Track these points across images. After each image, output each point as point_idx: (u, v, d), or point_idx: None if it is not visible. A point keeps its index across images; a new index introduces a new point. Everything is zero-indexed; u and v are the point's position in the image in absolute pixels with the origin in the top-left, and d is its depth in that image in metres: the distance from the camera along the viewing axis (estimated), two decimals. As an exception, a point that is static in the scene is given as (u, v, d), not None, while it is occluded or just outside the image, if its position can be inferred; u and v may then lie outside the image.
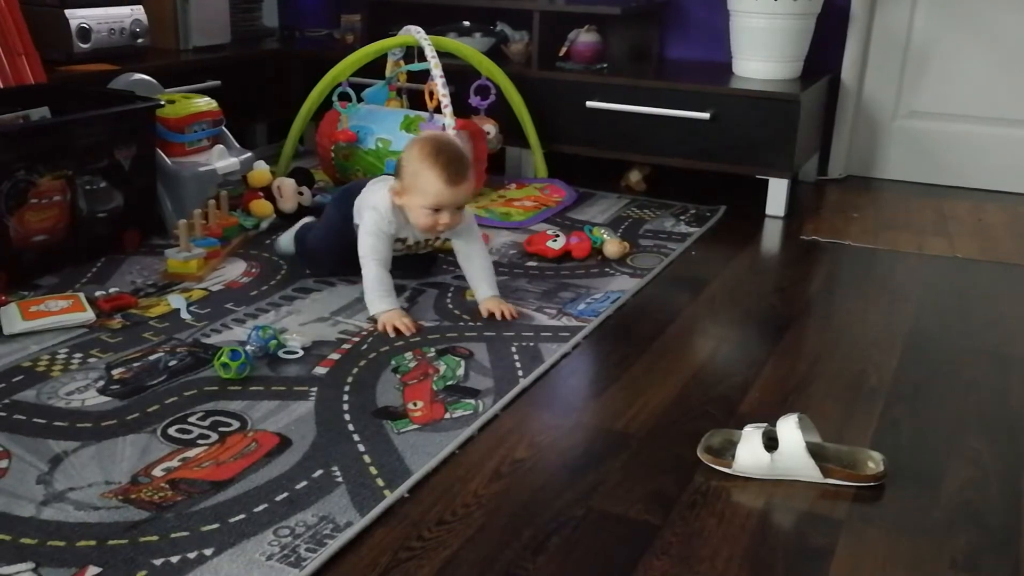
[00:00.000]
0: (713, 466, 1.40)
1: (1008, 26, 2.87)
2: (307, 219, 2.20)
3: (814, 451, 1.37)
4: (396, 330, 1.81)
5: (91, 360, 1.67)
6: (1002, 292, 2.16)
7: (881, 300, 2.10)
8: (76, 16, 2.60)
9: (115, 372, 1.63)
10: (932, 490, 1.37)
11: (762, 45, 2.76)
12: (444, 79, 2.47)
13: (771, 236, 2.55)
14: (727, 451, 1.41)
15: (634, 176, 2.89)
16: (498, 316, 1.90)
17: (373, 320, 1.85)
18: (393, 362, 1.70)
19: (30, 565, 1.13)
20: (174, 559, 1.15)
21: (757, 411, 1.58)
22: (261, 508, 1.26)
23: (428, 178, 1.79)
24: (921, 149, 3.05)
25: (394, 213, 1.87)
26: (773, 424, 1.41)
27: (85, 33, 2.62)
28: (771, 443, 1.38)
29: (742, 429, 1.42)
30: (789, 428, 1.38)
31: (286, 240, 2.18)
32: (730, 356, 1.81)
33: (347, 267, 1.98)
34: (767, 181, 2.68)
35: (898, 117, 3.06)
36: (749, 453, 1.38)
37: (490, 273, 1.96)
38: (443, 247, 2.12)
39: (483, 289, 1.94)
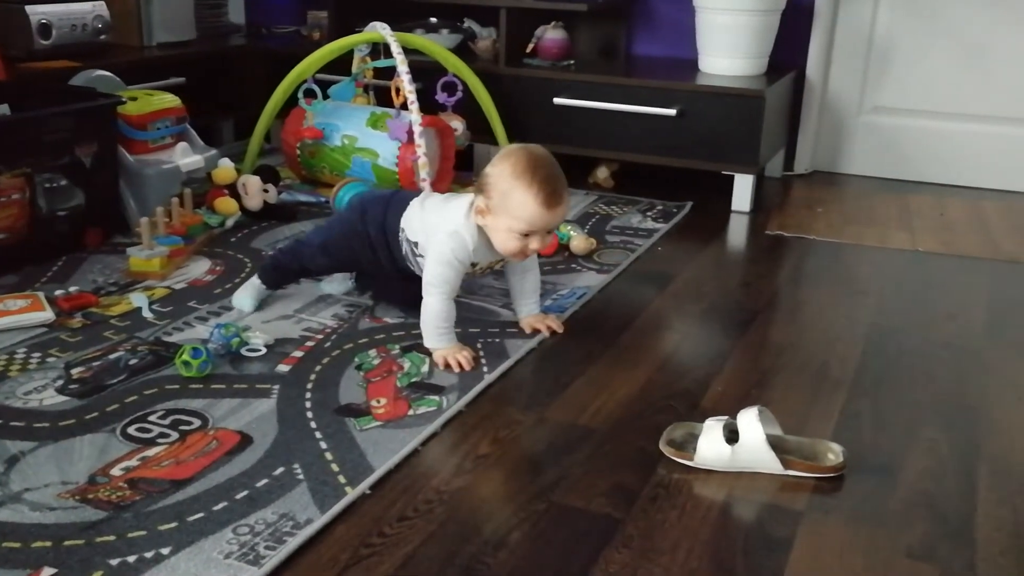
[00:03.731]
0: (675, 459, 1.40)
1: (969, 22, 2.90)
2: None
3: (775, 443, 1.38)
4: (454, 363, 1.68)
5: (50, 360, 1.65)
6: (962, 285, 2.18)
7: (844, 294, 2.12)
8: (37, 12, 2.57)
9: (74, 371, 1.61)
10: (890, 481, 1.38)
11: (728, 41, 2.78)
12: (410, 75, 2.46)
13: (737, 231, 2.57)
14: (689, 444, 1.42)
15: (602, 173, 2.90)
16: (545, 332, 1.82)
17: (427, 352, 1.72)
18: (357, 359, 1.70)
19: (-16, 567, 1.12)
20: (131, 559, 1.14)
21: (720, 404, 1.58)
22: (221, 506, 1.25)
23: (522, 199, 1.60)
24: (885, 144, 3.08)
25: (478, 238, 1.70)
26: (735, 417, 1.42)
27: (46, 29, 2.58)
28: (732, 436, 1.39)
29: (704, 422, 1.43)
30: (749, 421, 1.39)
31: (243, 298, 1.89)
32: (695, 350, 1.82)
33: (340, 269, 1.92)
34: (733, 177, 2.69)
35: (862, 113, 3.09)
36: (710, 446, 1.38)
37: (538, 289, 1.87)
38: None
39: (529, 306, 1.85)
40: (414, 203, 1.80)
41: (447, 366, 1.67)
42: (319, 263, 1.90)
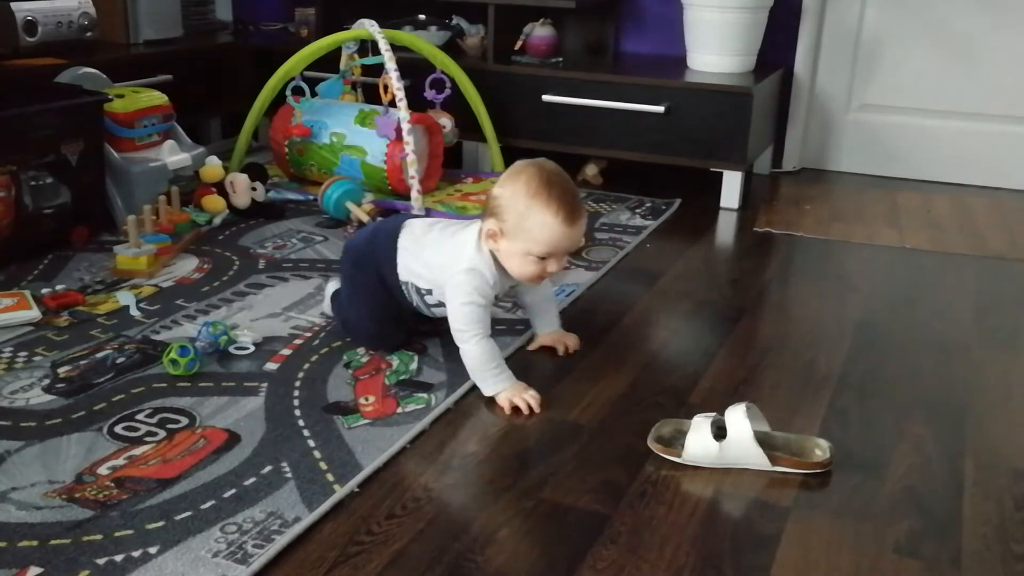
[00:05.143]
0: (663, 456, 1.41)
1: (956, 20, 2.92)
2: (334, 284, 1.82)
3: (762, 440, 1.39)
4: (522, 404, 1.54)
5: (36, 358, 1.64)
6: (949, 282, 2.19)
7: (832, 291, 2.12)
8: (22, 9, 2.55)
9: (61, 370, 1.60)
10: (877, 476, 1.39)
11: (716, 39, 2.78)
12: (398, 73, 2.46)
13: (725, 228, 2.57)
14: (677, 441, 1.42)
15: (590, 170, 2.90)
16: (560, 351, 1.73)
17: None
18: (345, 357, 1.69)
19: (-31, 567, 1.11)
20: (118, 558, 1.13)
21: (708, 401, 1.59)
22: (208, 505, 1.24)
23: (541, 220, 1.49)
24: (873, 142, 3.09)
25: (496, 268, 1.58)
26: (723, 413, 1.42)
27: (32, 26, 2.57)
28: (720, 432, 1.40)
29: (692, 419, 1.43)
30: (737, 417, 1.39)
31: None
32: (683, 347, 1.82)
33: (399, 334, 1.73)
34: (721, 174, 2.70)
35: (850, 110, 3.09)
36: (698, 442, 1.39)
37: (555, 300, 1.79)
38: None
39: (549, 321, 1.75)
40: (404, 247, 1.66)
41: (515, 409, 1.54)
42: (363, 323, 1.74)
